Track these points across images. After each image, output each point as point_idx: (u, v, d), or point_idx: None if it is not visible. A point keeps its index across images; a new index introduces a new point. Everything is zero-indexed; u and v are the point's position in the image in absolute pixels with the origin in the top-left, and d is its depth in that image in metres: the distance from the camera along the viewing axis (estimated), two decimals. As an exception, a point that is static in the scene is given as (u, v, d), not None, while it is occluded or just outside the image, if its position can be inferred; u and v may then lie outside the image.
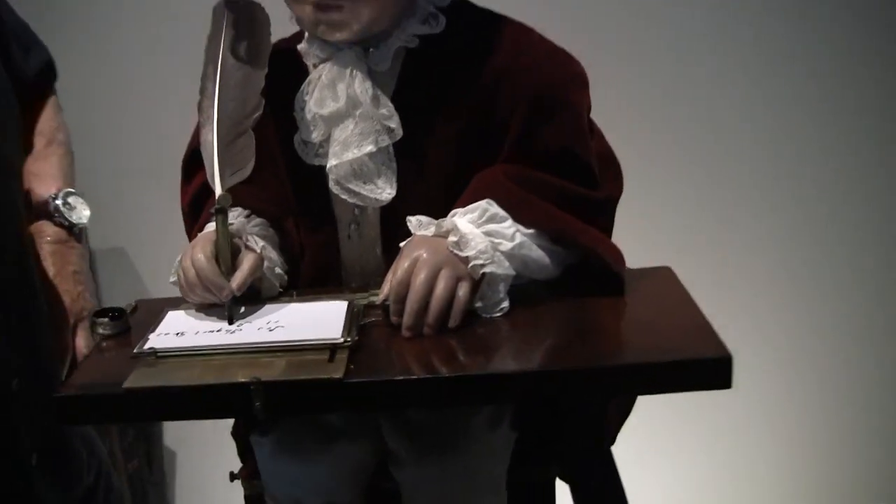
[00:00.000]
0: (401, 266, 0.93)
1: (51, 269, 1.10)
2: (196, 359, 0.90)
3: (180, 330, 0.95)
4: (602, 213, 1.03)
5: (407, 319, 0.92)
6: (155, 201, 1.75)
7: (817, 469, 2.05)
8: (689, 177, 1.87)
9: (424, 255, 0.93)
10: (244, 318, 0.96)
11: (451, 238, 0.94)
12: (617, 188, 1.06)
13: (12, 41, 1.14)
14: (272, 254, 1.02)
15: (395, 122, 1.00)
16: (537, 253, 0.98)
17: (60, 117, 1.21)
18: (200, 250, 0.95)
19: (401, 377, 0.85)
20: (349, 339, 0.90)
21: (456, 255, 0.93)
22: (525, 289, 0.99)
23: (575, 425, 1.10)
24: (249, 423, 1.07)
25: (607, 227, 1.05)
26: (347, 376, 0.85)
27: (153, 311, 1.01)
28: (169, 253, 1.03)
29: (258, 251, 0.98)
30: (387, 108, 1.01)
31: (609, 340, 0.94)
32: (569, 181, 1.00)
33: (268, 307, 0.99)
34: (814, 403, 2.01)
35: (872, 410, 1.99)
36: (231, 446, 1.19)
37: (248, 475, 1.15)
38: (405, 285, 0.92)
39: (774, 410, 2.01)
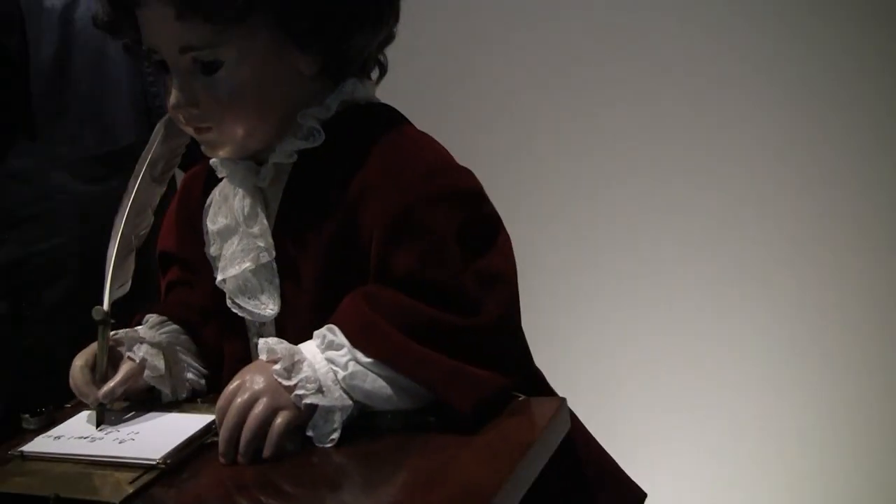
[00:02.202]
0: (224, 392, 0.94)
1: None
2: (50, 464, 0.97)
3: (67, 433, 1.03)
4: (472, 340, 0.95)
5: (220, 446, 0.93)
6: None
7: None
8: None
9: (247, 381, 0.93)
10: (116, 424, 1.02)
11: (277, 366, 0.94)
12: (502, 308, 0.97)
13: None
14: (159, 362, 1.06)
15: (263, 241, 1.02)
16: (377, 384, 0.93)
17: None
18: (80, 357, 1.03)
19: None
20: (163, 463, 0.93)
21: (280, 382, 0.93)
22: (383, 419, 0.96)
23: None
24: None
25: (490, 355, 0.95)
26: (126, 501, 0.88)
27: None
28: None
29: (136, 361, 1.04)
30: (258, 227, 1.02)
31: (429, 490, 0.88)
32: (429, 306, 0.95)
33: (145, 416, 1.03)
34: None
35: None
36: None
37: None
38: (223, 412, 0.93)
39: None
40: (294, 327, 1.00)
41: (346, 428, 0.94)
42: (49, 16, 1.39)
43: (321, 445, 0.93)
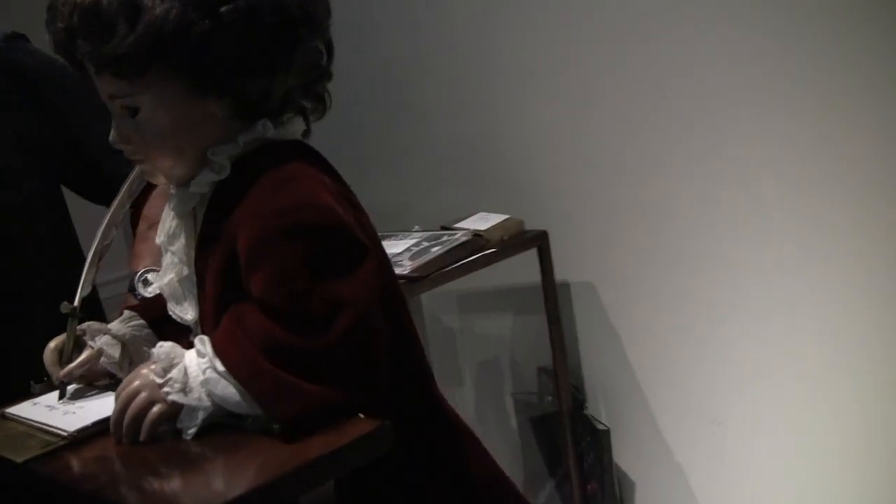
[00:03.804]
0: (121, 385, 1.17)
1: None
2: (15, 425, 1.25)
3: (43, 402, 1.30)
4: (312, 358, 1.10)
5: (110, 428, 1.16)
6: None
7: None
8: None
9: (135, 377, 1.16)
10: (74, 399, 1.28)
11: (155, 366, 1.15)
12: (343, 331, 1.11)
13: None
14: (114, 351, 1.30)
15: (178, 258, 1.23)
16: (227, 390, 1.11)
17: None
18: (53, 342, 1.30)
19: (48, 472, 1.11)
20: (72, 435, 1.17)
21: (154, 380, 1.14)
22: (244, 421, 1.14)
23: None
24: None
25: (328, 373, 1.10)
26: (30, 462, 1.13)
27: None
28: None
29: (95, 349, 1.29)
30: (177, 246, 1.24)
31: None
32: (278, 326, 1.11)
33: (97, 396, 1.28)
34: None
35: None
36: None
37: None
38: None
39: None
40: (206, 332, 1.21)
41: (216, 424, 1.14)
42: None
43: (184, 437, 1.14)
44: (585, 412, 2.61)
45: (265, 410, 1.10)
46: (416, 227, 2.60)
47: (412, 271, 2.31)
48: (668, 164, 2.34)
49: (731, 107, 2.20)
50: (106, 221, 1.32)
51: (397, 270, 2.29)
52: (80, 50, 1.16)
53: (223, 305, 1.18)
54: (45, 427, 1.21)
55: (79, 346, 1.31)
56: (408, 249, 2.45)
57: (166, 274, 1.27)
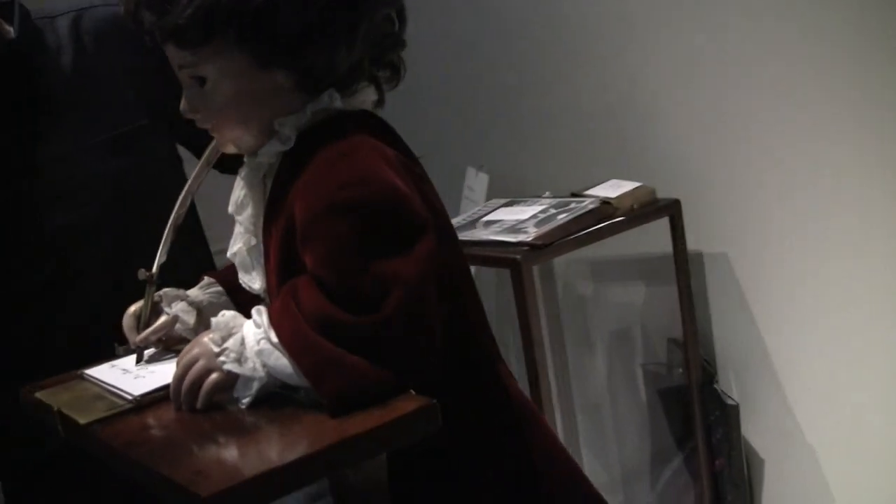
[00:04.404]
0: (182, 352, 1.19)
1: None
2: (89, 386, 1.29)
3: (119, 365, 1.34)
4: (362, 335, 1.10)
5: (170, 395, 1.18)
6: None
7: None
8: None
9: (195, 346, 1.18)
10: (148, 363, 1.31)
11: (212, 334, 1.16)
12: (394, 309, 1.10)
13: None
14: (189, 318, 1.33)
15: (244, 228, 1.24)
16: (280, 362, 1.12)
17: None
18: (131, 307, 1.34)
19: (100, 443, 1.14)
20: (136, 400, 1.20)
21: (212, 349, 1.16)
22: (298, 393, 1.15)
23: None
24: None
25: (378, 350, 1.11)
26: (90, 424, 1.17)
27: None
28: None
29: (170, 316, 1.31)
30: (245, 215, 1.25)
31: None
32: (329, 302, 1.11)
33: (169, 361, 1.31)
34: None
35: None
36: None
37: None
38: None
39: None
40: (272, 301, 1.21)
41: (273, 394, 1.15)
42: (61, 30, 1.69)
43: (242, 406, 1.15)
44: (715, 386, 2.53)
45: (311, 384, 1.11)
46: (547, 193, 2.56)
47: (535, 238, 2.27)
48: (811, 138, 2.23)
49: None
50: (184, 191, 1.34)
51: (520, 237, 2.28)
52: (146, 20, 1.17)
53: (284, 276, 1.19)
54: (114, 390, 1.25)
55: (156, 312, 1.34)
56: (534, 216, 2.41)
57: (236, 243, 1.29)
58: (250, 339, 1.15)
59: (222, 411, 1.16)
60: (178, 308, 1.34)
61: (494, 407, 1.27)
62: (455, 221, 2.49)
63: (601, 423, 2.86)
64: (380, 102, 1.28)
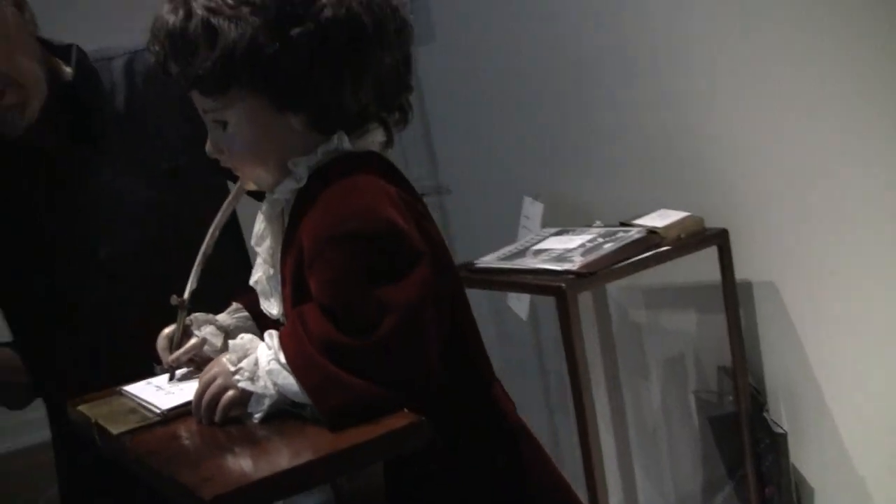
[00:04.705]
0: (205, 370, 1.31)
1: None
2: (125, 401, 1.42)
3: (155, 382, 1.46)
4: (361, 357, 1.21)
5: (192, 410, 1.30)
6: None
7: None
8: None
9: (215, 365, 1.30)
10: (179, 382, 1.43)
11: (230, 355, 1.28)
12: (391, 333, 1.21)
13: None
14: (217, 341, 1.44)
15: (262, 259, 1.35)
16: (287, 381, 1.23)
17: None
18: (165, 330, 1.46)
19: (126, 452, 1.27)
20: (163, 414, 1.33)
21: (228, 368, 1.28)
22: (305, 410, 1.26)
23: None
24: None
25: (375, 370, 1.21)
26: (121, 435, 1.30)
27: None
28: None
29: (199, 338, 1.43)
30: (263, 247, 1.36)
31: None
32: (331, 326, 1.22)
33: (197, 379, 1.43)
34: None
35: None
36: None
37: None
38: None
39: None
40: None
41: (282, 411, 1.27)
42: (116, 70, 1.84)
43: (253, 420, 1.27)
44: (765, 415, 2.58)
45: (312, 400, 1.21)
46: (597, 223, 2.64)
47: (581, 267, 2.36)
48: (861, 168, 2.27)
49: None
50: (214, 224, 1.47)
51: (565, 266, 2.37)
52: (172, 70, 1.30)
53: (296, 302, 1.31)
54: (146, 404, 1.37)
55: (188, 334, 1.47)
56: (582, 245, 2.50)
57: (257, 272, 1.41)
58: (262, 360, 1.26)
59: (237, 425, 1.27)
60: (206, 331, 1.46)
61: (487, 423, 1.37)
62: (507, 249, 2.60)
63: (655, 449, 2.92)
64: (388, 143, 1.39)
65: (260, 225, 1.41)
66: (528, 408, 2.77)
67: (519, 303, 2.89)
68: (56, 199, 1.84)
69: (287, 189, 1.35)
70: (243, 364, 1.27)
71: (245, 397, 1.27)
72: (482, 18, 3.04)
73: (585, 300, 2.89)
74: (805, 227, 2.43)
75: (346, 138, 1.34)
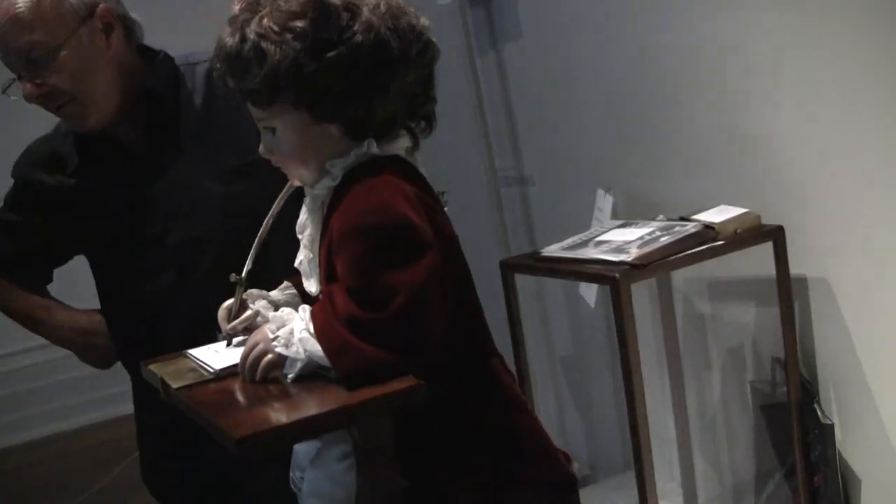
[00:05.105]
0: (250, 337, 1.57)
1: None
2: (188, 361, 1.68)
3: (215, 347, 1.71)
4: (373, 328, 1.44)
5: (238, 370, 1.56)
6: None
7: None
8: None
9: (258, 333, 1.54)
10: (237, 347, 1.68)
11: (271, 325, 1.53)
12: (399, 310, 1.44)
13: None
14: (268, 313, 1.67)
15: (304, 243, 1.60)
16: (315, 347, 1.47)
17: None
18: (225, 303, 1.71)
19: (186, 400, 1.53)
20: (215, 373, 1.58)
21: (268, 335, 1.53)
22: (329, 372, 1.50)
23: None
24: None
25: (386, 340, 1.44)
26: (179, 389, 1.56)
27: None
28: None
29: (253, 311, 1.68)
30: (306, 234, 1.61)
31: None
32: (351, 302, 1.46)
33: None
34: None
35: None
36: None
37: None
38: None
39: None
40: None
41: (313, 373, 1.51)
42: (199, 75, 2.10)
43: (287, 380, 1.51)
44: (815, 405, 2.71)
45: (331, 363, 1.45)
46: (660, 217, 2.81)
47: (635, 259, 2.53)
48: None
49: None
50: (270, 213, 1.72)
51: (621, 257, 2.55)
52: (229, 84, 1.56)
53: (328, 282, 1.55)
54: (203, 365, 1.63)
55: (244, 307, 1.72)
56: (640, 238, 2.67)
57: (300, 256, 1.65)
58: (297, 329, 1.51)
59: (275, 384, 1.52)
60: (259, 305, 1.71)
61: (483, 391, 1.59)
62: (572, 240, 2.79)
63: (714, 435, 3.07)
64: (414, 147, 1.62)
65: (303, 216, 1.65)
66: (599, 386, 2.93)
67: (588, 291, 3.08)
68: (134, 189, 2.14)
69: (325, 186, 1.59)
70: (280, 332, 1.51)
71: (281, 361, 1.51)
72: (567, 17, 3.22)
73: (651, 290, 3.07)
74: (859, 224, 2.54)
75: (374, 144, 1.57)
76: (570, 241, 2.81)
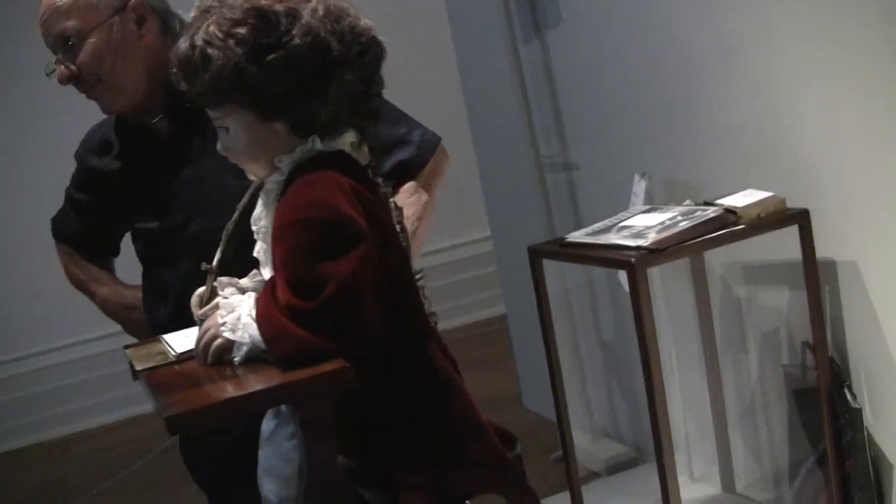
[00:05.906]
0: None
1: None
2: (160, 346, 1.82)
3: (187, 333, 1.84)
4: (307, 316, 1.55)
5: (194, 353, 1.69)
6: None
7: None
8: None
9: (211, 319, 1.67)
10: None
11: (222, 311, 1.66)
12: (329, 299, 1.55)
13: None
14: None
15: (260, 235, 1.72)
16: (256, 333, 1.59)
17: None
18: (197, 290, 1.84)
19: (145, 381, 1.67)
20: (177, 356, 1.72)
21: (218, 321, 1.65)
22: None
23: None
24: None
25: (319, 328, 1.55)
26: (142, 370, 1.70)
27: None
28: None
29: (225, 297, 1.81)
30: (258, 225, 1.73)
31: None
32: (287, 291, 1.58)
33: None
34: None
35: None
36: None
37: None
38: None
39: None
40: None
41: (260, 357, 1.63)
42: None
43: (235, 363, 1.64)
44: (844, 390, 2.72)
45: (268, 348, 1.57)
46: (687, 201, 2.85)
47: (651, 244, 2.59)
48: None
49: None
50: (238, 206, 1.83)
51: (639, 242, 2.61)
52: (182, 87, 1.69)
53: (276, 270, 1.67)
54: (170, 349, 1.78)
55: (215, 294, 1.85)
56: (661, 223, 2.71)
57: (257, 246, 1.77)
58: (243, 315, 1.63)
59: (224, 365, 1.65)
60: (228, 292, 1.84)
61: (417, 374, 1.69)
62: (597, 225, 2.86)
63: (750, 419, 3.11)
64: (361, 142, 1.73)
65: (259, 208, 1.77)
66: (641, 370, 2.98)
67: (624, 276, 3.14)
68: (164, 177, 2.31)
69: (275, 181, 1.71)
70: (227, 318, 1.64)
71: (229, 345, 1.63)
72: (606, 4, 3.28)
73: (687, 274, 3.12)
74: (886, 207, 2.55)
75: (318, 140, 1.69)
76: (595, 226, 2.87)
